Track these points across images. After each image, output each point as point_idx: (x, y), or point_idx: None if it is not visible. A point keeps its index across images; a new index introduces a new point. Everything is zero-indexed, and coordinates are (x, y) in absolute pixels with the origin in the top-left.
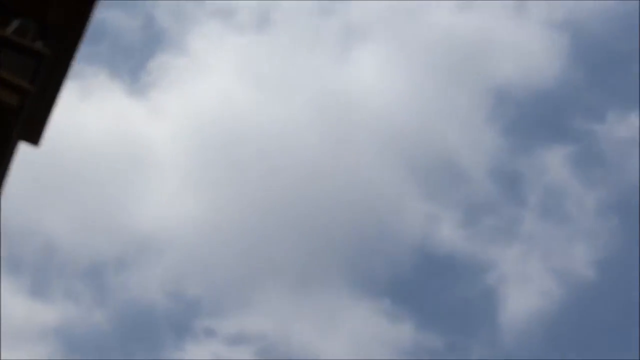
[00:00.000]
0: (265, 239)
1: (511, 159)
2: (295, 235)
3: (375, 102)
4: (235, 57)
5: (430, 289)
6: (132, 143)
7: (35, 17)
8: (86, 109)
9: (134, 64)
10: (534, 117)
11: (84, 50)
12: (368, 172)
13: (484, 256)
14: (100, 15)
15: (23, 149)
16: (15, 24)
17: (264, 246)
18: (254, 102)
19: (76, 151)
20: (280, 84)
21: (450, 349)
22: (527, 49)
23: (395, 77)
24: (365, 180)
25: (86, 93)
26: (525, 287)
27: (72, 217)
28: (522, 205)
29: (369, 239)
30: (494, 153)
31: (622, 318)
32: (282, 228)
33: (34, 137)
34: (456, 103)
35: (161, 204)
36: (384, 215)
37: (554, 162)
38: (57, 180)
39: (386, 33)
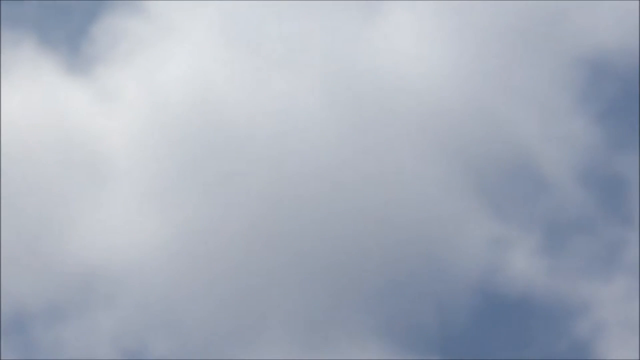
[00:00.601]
0: (264, 276)
1: (611, 157)
2: (306, 271)
3: (418, 77)
4: (217, 17)
5: (498, 343)
6: (71, 141)
7: None
8: (5, 91)
9: (73, 29)
10: None
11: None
12: (409, 179)
13: (574, 295)
14: None
15: None
16: None
17: (261, 287)
18: (245, 81)
19: None
20: (283, 55)
21: None
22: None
23: (445, 42)
24: (406, 191)
25: (5, 69)
26: (634, 339)
27: None
28: (627, 222)
29: (412, 274)
30: (586, 149)
31: None
32: (288, 260)
33: None
34: (533, 79)
35: (114, 228)
36: (432, 240)
37: None
38: None
39: None
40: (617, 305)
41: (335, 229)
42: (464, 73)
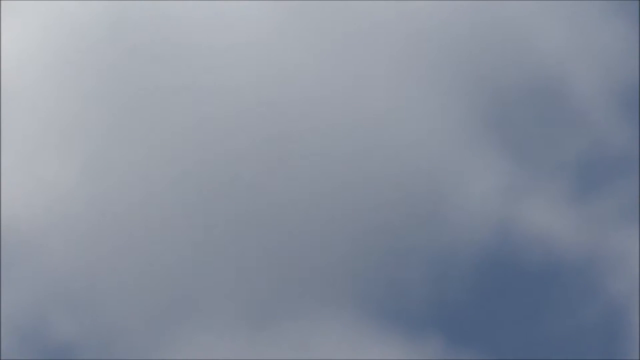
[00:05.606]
0: (206, 237)
1: None
2: (263, 226)
3: None
4: None
5: (510, 316)
6: None
7: None
8: None
9: None
10: None
11: None
12: (397, 105)
13: (608, 251)
14: None
15: None
16: None
17: (201, 251)
18: None
19: None
20: None
21: None
22: None
23: None
24: (393, 121)
25: None
26: None
27: None
28: None
29: (402, 229)
30: (628, 64)
31: None
32: (239, 214)
33: None
34: None
35: (8, 173)
36: (428, 186)
37: None
38: None
39: None
40: None
41: (302, 172)
42: None
